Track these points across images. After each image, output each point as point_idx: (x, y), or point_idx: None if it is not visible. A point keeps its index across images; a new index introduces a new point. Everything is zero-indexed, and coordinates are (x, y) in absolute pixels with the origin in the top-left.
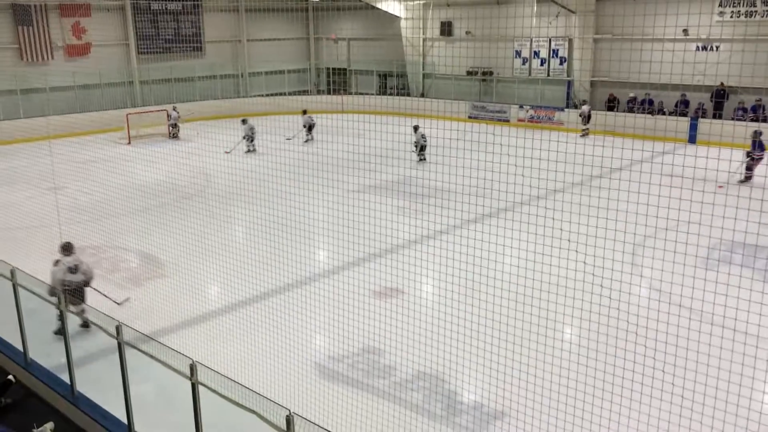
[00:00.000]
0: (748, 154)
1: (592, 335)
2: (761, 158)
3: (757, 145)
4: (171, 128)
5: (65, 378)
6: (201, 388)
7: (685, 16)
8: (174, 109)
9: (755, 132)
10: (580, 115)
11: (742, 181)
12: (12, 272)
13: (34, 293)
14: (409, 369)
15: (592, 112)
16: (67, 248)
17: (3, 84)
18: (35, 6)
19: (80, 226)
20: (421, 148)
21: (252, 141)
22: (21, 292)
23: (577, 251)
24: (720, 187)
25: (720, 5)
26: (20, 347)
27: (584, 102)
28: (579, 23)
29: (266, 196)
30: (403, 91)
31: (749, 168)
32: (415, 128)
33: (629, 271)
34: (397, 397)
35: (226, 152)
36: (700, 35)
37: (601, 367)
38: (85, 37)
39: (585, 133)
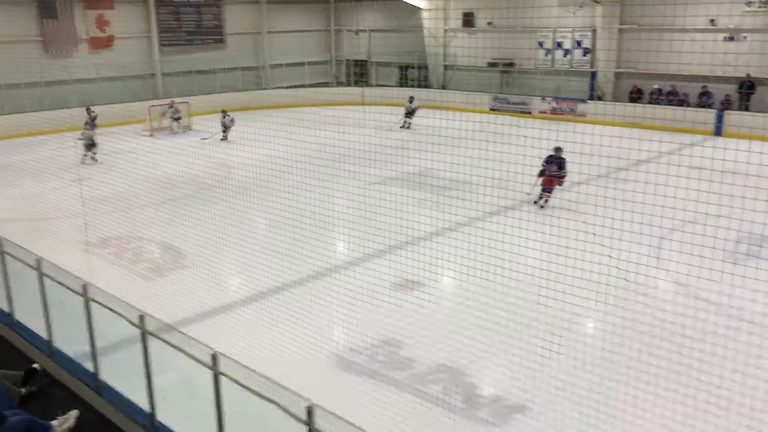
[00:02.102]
0: None
1: (616, 329)
2: None
3: None
4: (176, 122)
5: (89, 366)
6: (222, 378)
7: (712, 6)
8: (171, 105)
9: None
10: (407, 110)
11: (535, 202)
12: (38, 262)
13: (59, 282)
14: (428, 361)
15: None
16: None
17: (28, 76)
18: None
19: (104, 217)
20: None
21: (225, 131)
22: (46, 281)
23: (602, 244)
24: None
25: None
26: (45, 336)
27: (410, 99)
28: (604, 13)
29: (287, 188)
30: (424, 82)
31: None
32: (411, 99)
33: (654, 264)
34: (416, 389)
35: (203, 139)
36: (727, 25)
37: (624, 362)
38: (109, 29)
39: (406, 126)
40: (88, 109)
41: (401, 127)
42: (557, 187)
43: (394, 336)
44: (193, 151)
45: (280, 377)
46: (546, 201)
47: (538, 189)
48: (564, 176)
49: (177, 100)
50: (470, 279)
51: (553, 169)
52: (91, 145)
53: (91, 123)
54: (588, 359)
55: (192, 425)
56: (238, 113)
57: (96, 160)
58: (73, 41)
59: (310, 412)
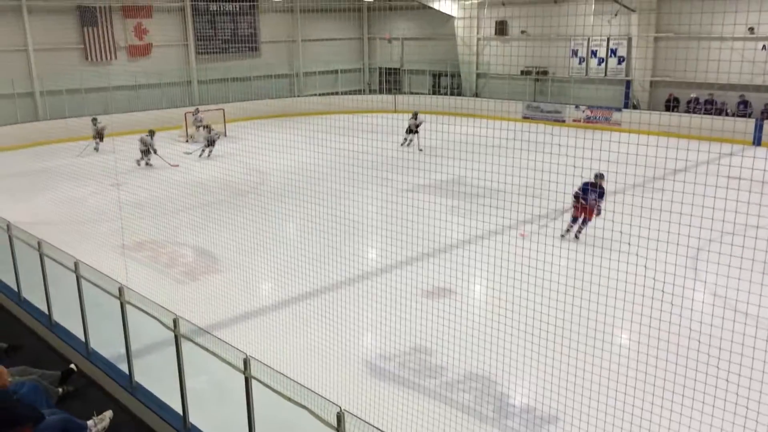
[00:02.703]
0: None
1: (651, 341)
2: None
3: None
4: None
5: (124, 368)
6: (254, 382)
7: (750, 14)
8: (196, 112)
9: None
10: (410, 127)
11: (562, 235)
12: (76, 264)
13: (96, 285)
14: (459, 369)
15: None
16: None
17: (69, 83)
18: (100, 8)
19: (140, 222)
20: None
21: (209, 146)
22: (84, 284)
23: (637, 255)
24: (522, 235)
25: None
26: (82, 337)
27: (414, 115)
28: (639, 21)
29: (319, 194)
30: (457, 90)
31: None
32: (415, 115)
33: (691, 276)
34: (446, 397)
35: (187, 153)
36: (766, 34)
37: (660, 374)
38: (147, 37)
39: (407, 143)
40: (94, 120)
41: (401, 145)
42: (590, 216)
43: (425, 343)
44: (227, 157)
45: (310, 382)
46: (579, 231)
47: (567, 217)
48: (600, 208)
49: (208, 107)
50: (502, 287)
51: (591, 198)
52: (147, 151)
53: (99, 135)
54: (622, 371)
55: (223, 428)
56: (271, 120)
57: (150, 164)
58: (113, 49)
59: (339, 418)
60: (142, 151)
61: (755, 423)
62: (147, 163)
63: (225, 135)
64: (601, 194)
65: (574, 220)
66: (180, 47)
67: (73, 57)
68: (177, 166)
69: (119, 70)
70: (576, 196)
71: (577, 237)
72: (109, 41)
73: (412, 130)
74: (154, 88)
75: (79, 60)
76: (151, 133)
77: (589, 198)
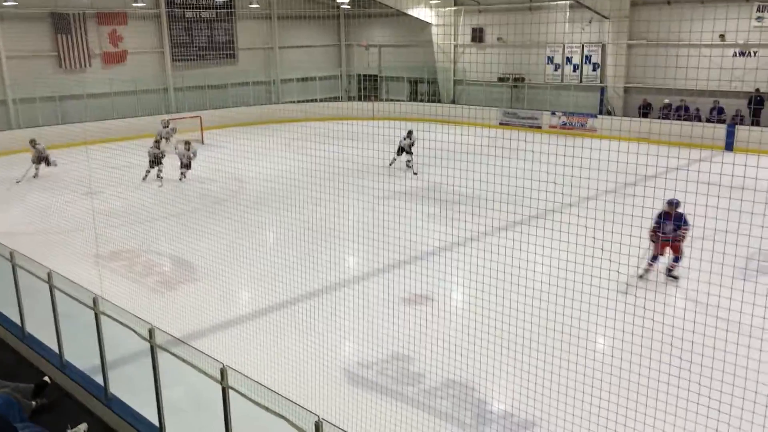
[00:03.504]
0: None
1: (626, 346)
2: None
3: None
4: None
5: (99, 380)
6: (231, 392)
7: (721, 21)
8: (165, 124)
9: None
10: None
11: (640, 276)
12: (49, 275)
13: (70, 296)
14: (437, 377)
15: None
16: None
17: (42, 91)
18: (74, 14)
19: (115, 231)
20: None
21: (184, 167)
22: (58, 294)
23: (610, 260)
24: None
25: (758, 10)
26: (56, 349)
27: (408, 134)
28: (612, 29)
29: (296, 202)
30: (434, 97)
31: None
32: (410, 134)
33: (664, 281)
34: (425, 404)
35: (160, 182)
36: (737, 41)
37: (635, 379)
38: (122, 44)
39: (394, 162)
40: (32, 142)
41: (390, 165)
42: (675, 251)
43: (403, 351)
44: (204, 165)
45: (289, 391)
46: (647, 271)
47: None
48: (683, 238)
49: (184, 115)
50: (480, 294)
51: (668, 230)
52: (155, 162)
53: (40, 159)
54: (598, 376)
55: None
56: (249, 127)
57: (161, 177)
58: (87, 56)
59: (318, 426)
60: (151, 162)
61: (727, 426)
62: (158, 176)
63: (202, 143)
64: (680, 222)
65: (655, 258)
66: (156, 54)
67: (46, 64)
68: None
69: (94, 77)
70: (654, 230)
71: (641, 277)
72: (83, 48)
73: (405, 149)
74: (130, 96)
75: (53, 67)
76: (187, 144)
77: (666, 230)
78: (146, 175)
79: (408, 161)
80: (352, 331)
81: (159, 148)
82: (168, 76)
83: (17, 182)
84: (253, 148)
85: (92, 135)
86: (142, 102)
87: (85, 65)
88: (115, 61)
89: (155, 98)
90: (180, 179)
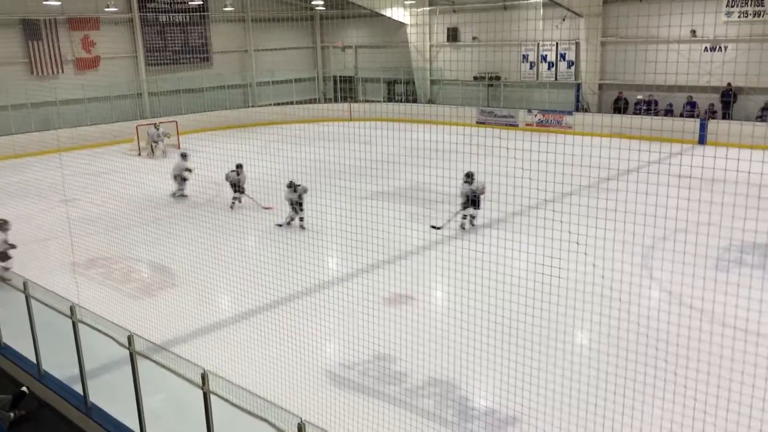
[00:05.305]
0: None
1: (603, 338)
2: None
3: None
4: (152, 145)
5: (78, 389)
6: (213, 397)
7: (692, 17)
8: (156, 127)
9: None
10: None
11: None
12: (24, 284)
13: (46, 305)
14: (420, 375)
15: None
16: None
17: (14, 98)
18: (45, 20)
19: (92, 238)
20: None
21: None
22: (34, 304)
23: (585, 254)
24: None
25: (727, 5)
26: (34, 359)
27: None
28: (586, 26)
29: (276, 204)
30: (411, 97)
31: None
32: (469, 176)
33: (640, 273)
34: (408, 403)
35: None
36: (707, 36)
37: (613, 371)
38: (95, 50)
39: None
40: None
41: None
42: None
43: (386, 351)
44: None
45: (271, 395)
46: None
47: None
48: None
49: (160, 120)
50: (461, 292)
51: None
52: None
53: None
54: (577, 369)
55: None
56: (226, 131)
57: (185, 195)
58: (59, 62)
59: (300, 428)
60: (179, 178)
61: (703, 414)
62: (182, 194)
63: (178, 147)
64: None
65: None
66: (129, 59)
67: (17, 71)
68: (271, 208)
69: (67, 83)
70: None
71: None
72: (55, 54)
73: (293, 203)
74: (104, 102)
75: (25, 74)
76: (239, 167)
77: None
78: (176, 193)
79: (472, 216)
80: (334, 332)
81: (239, 173)
82: (142, 81)
83: None
84: (231, 152)
85: (66, 142)
86: (117, 107)
87: (57, 71)
88: (88, 66)
89: (130, 103)
90: (180, 194)
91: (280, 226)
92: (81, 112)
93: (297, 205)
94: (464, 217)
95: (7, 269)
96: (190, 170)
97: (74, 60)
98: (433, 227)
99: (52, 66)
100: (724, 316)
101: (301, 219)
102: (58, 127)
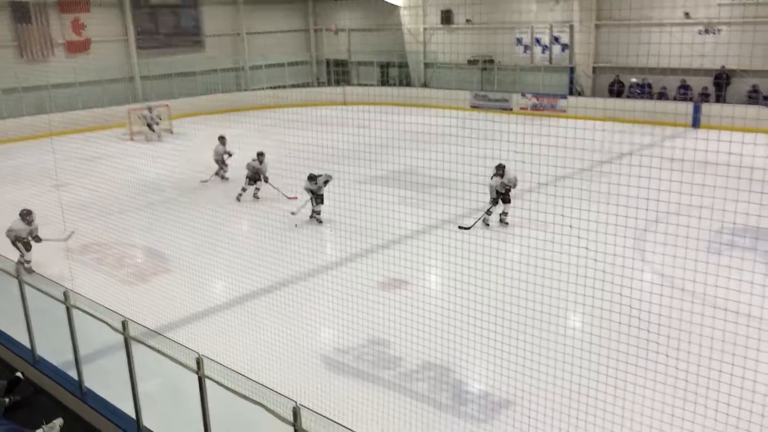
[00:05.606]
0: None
1: (596, 321)
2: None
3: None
4: (150, 127)
5: (73, 374)
6: (208, 382)
7: (686, 0)
8: (149, 110)
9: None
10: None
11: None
12: (17, 269)
13: (40, 290)
14: (415, 359)
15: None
16: None
17: (5, 82)
18: (34, 3)
19: (84, 223)
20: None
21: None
22: (27, 289)
23: (579, 237)
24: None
25: None
26: (28, 345)
27: (499, 169)
28: (580, 8)
29: (270, 188)
30: (405, 81)
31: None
32: (500, 168)
33: (634, 256)
34: (403, 387)
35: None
36: (702, 18)
37: (605, 353)
38: (85, 33)
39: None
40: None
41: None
42: None
43: (381, 335)
44: (174, 154)
45: (267, 379)
46: None
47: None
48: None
49: (152, 104)
50: (455, 276)
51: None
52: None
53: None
54: (571, 351)
55: (178, 430)
56: (219, 115)
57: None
58: (50, 45)
59: (296, 413)
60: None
61: (695, 395)
62: (224, 177)
63: (171, 132)
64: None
65: None
66: (120, 42)
67: (7, 55)
68: (295, 198)
69: (57, 67)
70: None
71: None
72: (45, 38)
73: (315, 194)
74: (95, 86)
75: (14, 58)
76: (261, 155)
77: None
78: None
79: (504, 213)
80: (329, 317)
81: (261, 162)
82: (134, 65)
83: None
84: (225, 136)
85: (57, 126)
86: (108, 92)
87: (47, 55)
88: (79, 50)
89: (121, 87)
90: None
91: (294, 214)
92: (73, 96)
93: (317, 197)
94: (488, 213)
95: (28, 261)
96: (230, 154)
97: (65, 43)
98: (461, 227)
99: (42, 49)
100: (715, 299)
101: (317, 213)
102: (50, 111)
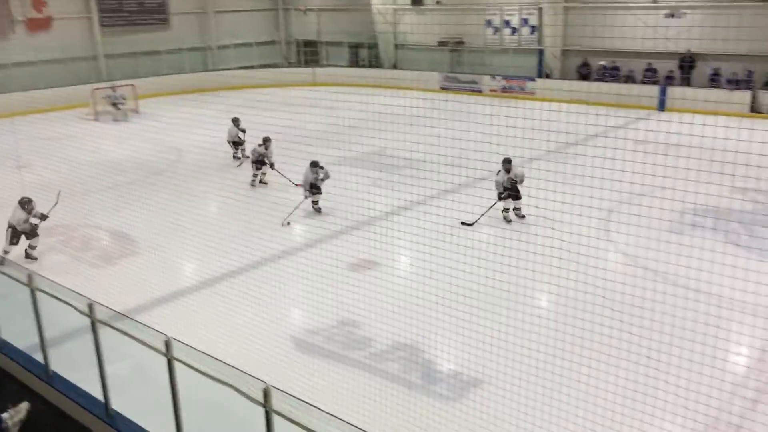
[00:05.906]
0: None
1: (563, 300)
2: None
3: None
4: (117, 107)
5: (39, 358)
6: (177, 364)
7: None
8: (113, 89)
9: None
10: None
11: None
12: None
13: (2, 273)
14: (385, 340)
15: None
16: None
17: None
18: None
19: (48, 205)
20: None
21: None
22: None
23: (545, 217)
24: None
25: None
26: None
27: (314, 164)
28: None
29: (237, 170)
30: (375, 62)
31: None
32: (507, 162)
33: (600, 236)
34: (374, 367)
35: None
36: (668, 2)
37: (571, 331)
38: (46, 10)
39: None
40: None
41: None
42: None
43: (351, 316)
44: (140, 135)
45: (236, 361)
46: None
47: None
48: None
49: (117, 83)
50: (425, 257)
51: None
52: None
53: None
54: (540, 331)
55: (148, 413)
56: (186, 95)
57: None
58: (10, 23)
59: (266, 393)
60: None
61: (658, 371)
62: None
63: (137, 112)
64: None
65: None
66: (83, 20)
67: None
68: (301, 186)
69: (18, 45)
70: None
71: None
72: (4, 15)
73: (312, 185)
74: (57, 64)
75: None
76: (267, 141)
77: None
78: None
79: (516, 209)
80: (300, 298)
81: (267, 147)
82: (97, 43)
83: None
84: (191, 117)
85: (19, 106)
86: (71, 70)
87: (7, 32)
88: (40, 27)
89: (84, 66)
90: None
91: (288, 224)
92: (34, 74)
93: (313, 188)
94: (506, 210)
95: (33, 247)
96: (244, 131)
97: (25, 21)
98: (464, 223)
99: (2, 27)
100: (677, 277)
101: (315, 202)
102: (11, 90)
